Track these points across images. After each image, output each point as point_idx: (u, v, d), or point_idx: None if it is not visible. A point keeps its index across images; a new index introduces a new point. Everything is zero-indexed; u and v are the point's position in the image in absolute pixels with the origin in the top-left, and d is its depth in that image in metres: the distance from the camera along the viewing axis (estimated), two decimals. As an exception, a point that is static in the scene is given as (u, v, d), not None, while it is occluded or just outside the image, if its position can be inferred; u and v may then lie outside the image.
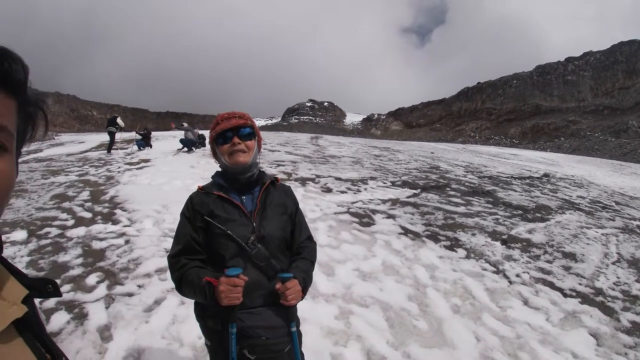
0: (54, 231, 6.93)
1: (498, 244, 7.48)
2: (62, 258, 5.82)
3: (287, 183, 11.57)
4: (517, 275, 6.18)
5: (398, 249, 6.85)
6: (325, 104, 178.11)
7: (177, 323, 4.29)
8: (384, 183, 12.94)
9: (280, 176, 12.55)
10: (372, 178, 13.75)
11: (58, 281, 5.00)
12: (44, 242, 6.46)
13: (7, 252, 6.09)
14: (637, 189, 20.52)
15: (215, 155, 2.32)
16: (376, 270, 5.96)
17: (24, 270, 5.30)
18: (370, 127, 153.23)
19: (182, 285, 2.09)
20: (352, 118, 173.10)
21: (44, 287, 0.90)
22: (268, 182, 2.34)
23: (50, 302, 4.60)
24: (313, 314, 4.62)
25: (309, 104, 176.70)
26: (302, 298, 2.20)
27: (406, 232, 7.78)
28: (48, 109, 0.84)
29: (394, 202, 10.22)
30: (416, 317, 4.79)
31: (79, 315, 4.35)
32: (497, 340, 4.47)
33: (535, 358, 4.21)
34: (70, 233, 6.86)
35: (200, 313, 2.20)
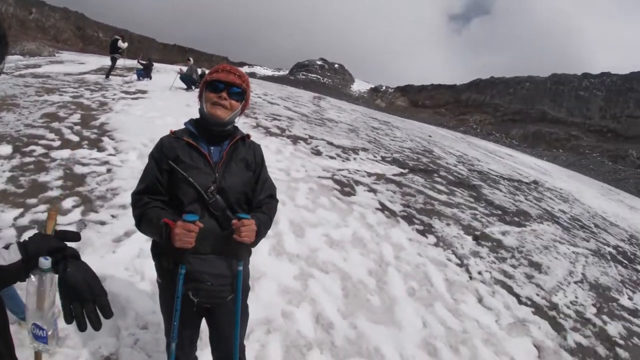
0: (39, 150, 6.96)
1: (469, 238, 7.57)
2: (42, 178, 5.88)
3: (280, 139, 11.60)
4: (479, 273, 6.28)
5: (371, 224, 6.94)
6: (336, 65, 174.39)
7: (142, 257, 4.38)
8: (375, 157, 12.91)
9: (274, 131, 12.56)
10: (364, 149, 13.71)
11: (34, 200, 5.11)
12: (27, 159, 6.49)
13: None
14: (620, 217, 20.50)
15: (200, 97, 2.36)
16: (345, 240, 6.07)
17: (4, 187, 5.36)
18: (376, 98, 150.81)
19: (142, 223, 2.17)
20: (360, 85, 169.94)
21: None
22: (238, 137, 2.39)
23: (24, 220, 4.72)
24: (274, 270, 4.76)
25: (319, 62, 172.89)
26: (254, 245, 2.28)
27: (383, 208, 7.86)
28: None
29: (380, 177, 10.25)
30: (371, 292, 4.92)
31: (50, 237, 4.42)
32: (443, 330, 4.60)
33: (474, 355, 4.35)
34: (54, 154, 6.89)
35: (156, 252, 2.29)
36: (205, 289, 2.17)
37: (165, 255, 2.20)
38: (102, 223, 5.00)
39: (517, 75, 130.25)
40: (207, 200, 2.17)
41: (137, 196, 2.22)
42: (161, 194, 2.22)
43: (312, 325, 4.09)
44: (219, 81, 2.25)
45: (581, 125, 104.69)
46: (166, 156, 2.22)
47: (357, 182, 9.15)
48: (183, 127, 2.41)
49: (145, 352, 3.28)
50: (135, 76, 20.59)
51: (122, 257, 4.37)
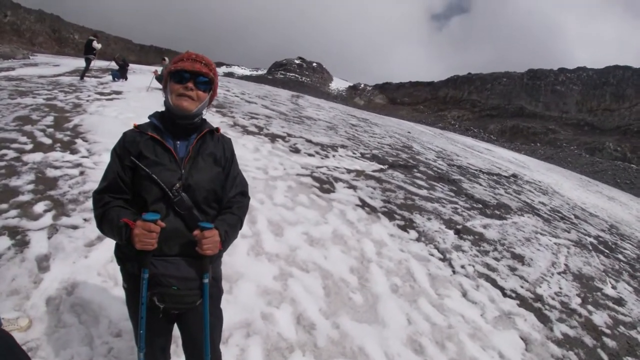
0: (11, 154, 6.75)
1: (451, 232, 7.54)
2: (13, 182, 5.69)
3: (258, 137, 11.45)
4: (462, 267, 6.24)
5: (351, 220, 6.87)
6: (314, 64, 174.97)
7: (115, 262, 4.26)
8: (354, 153, 12.86)
9: (251, 129, 12.41)
10: (343, 146, 13.65)
11: (5, 206, 4.93)
12: (-2, 164, 6.31)
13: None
14: (599, 207, 20.87)
15: (165, 89, 2.22)
16: (325, 238, 5.99)
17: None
18: (355, 96, 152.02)
19: (103, 224, 2.04)
20: (338, 84, 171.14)
21: None
22: (205, 131, 2.26)
23: (-6, 226, 4.54)
24: (252, 271, 4.65)
25: (297, 61, 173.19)
26: (222, 252, 2.19)
27: (364, 204, 7.80)
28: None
29: (359, 173, 10.20)
30: (353, 290, 4.84)
31: (21, 242, 4.30)
32: (428, 326, 4.54)
33: (461, 350, 4.29)
34: (26, 158, 6.68)
35: (120, 255, 2.16)
36: (171, 294, 2.08)
37: (130, 259, 2.08)
38: (74, 227, 4.83)
39: (494, 71, 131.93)
40: (172, 198, 2.04)
41: (98, 195, 2.10)
42: (124, 193, 2.09)
43: (294, 326, 4.00)
44: (184, 70, 2.11)
45: (558, 119, 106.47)
46: (128, 152, 2.09)
47: (337, 179, 9.08)
48: (147, 120, 2.28)
49: (119, 361, 3.16)
50: (110, 77, 20.32)
51: (95, 262, 4.23)
